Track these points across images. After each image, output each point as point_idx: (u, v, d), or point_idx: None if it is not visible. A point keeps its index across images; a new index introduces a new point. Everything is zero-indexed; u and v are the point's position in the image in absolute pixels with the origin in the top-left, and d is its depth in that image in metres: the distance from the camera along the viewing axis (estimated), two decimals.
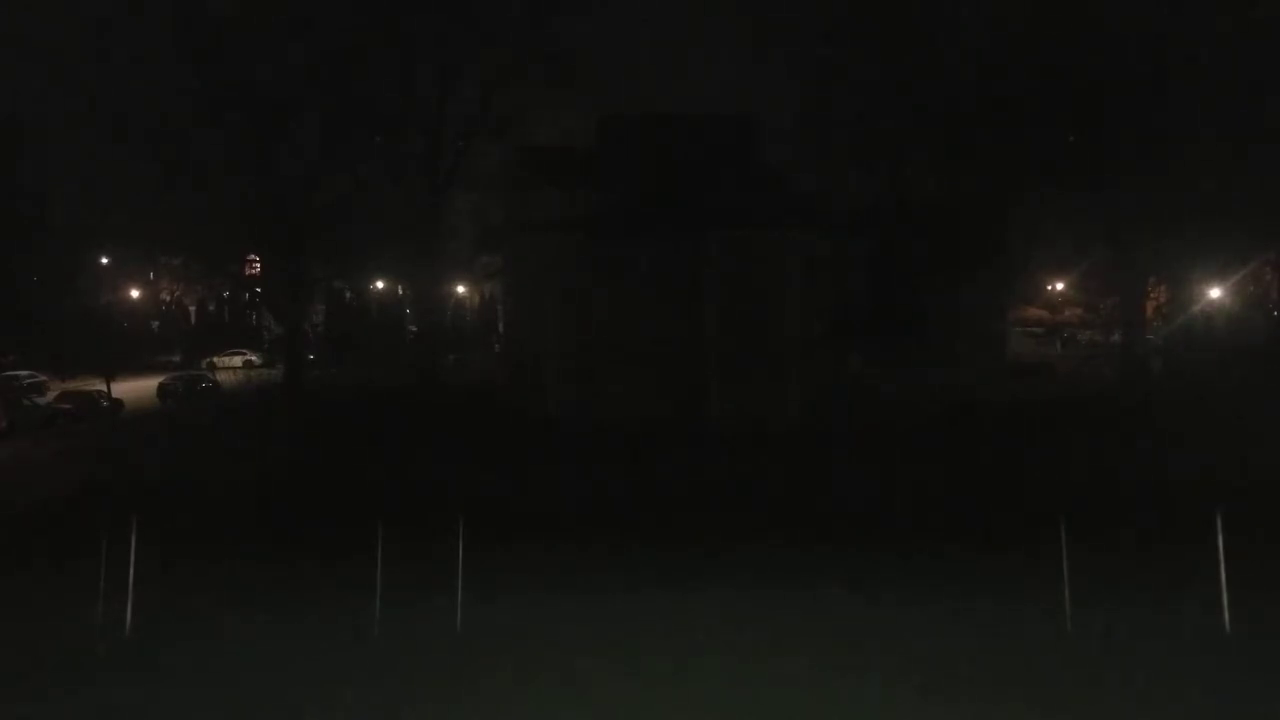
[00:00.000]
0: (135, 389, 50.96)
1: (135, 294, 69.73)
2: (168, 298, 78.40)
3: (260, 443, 35.84)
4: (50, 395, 48.32)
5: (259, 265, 58.02)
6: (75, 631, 17.76)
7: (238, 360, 61.81)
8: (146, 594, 18.23)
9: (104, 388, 47.77)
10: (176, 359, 64.20)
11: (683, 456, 32.43)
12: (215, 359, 62.72)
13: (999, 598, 18.58)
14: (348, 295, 66.38)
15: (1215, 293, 47.96)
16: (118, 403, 46.93)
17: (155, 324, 73.38)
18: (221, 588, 19.87)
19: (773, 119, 45.96)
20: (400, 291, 67.32)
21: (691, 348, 38.25)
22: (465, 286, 74.14)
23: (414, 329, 58.94)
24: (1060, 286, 71.31)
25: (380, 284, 68.46)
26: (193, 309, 78.57)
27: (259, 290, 60.43)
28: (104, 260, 66.47)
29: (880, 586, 19.35)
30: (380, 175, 47.92)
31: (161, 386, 50.82)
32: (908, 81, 45.38)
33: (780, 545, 22.33)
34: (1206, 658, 16.07)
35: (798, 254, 38.05)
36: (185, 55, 42.88)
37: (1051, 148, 45.63)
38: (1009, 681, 15.33)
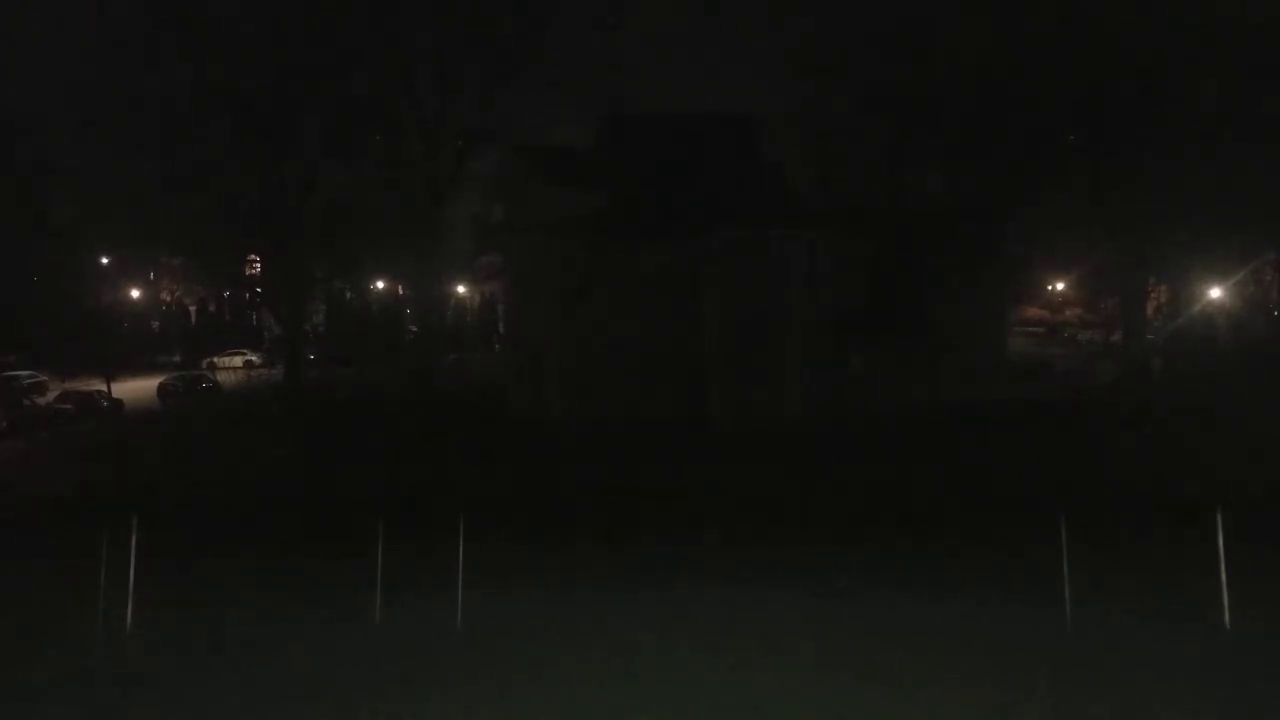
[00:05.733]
0: (135, 389, 50.97)
1: (135, 294, 69.73)
2: (168, 298, 78.44)
3: (260, 442, 35.87)
4: (50, 395, 48.33)
5: (259, 265, 58.08)
6: (75, 629, 17.77)
7: (238, 360, 61.82)
8: (146, 592, 18.24)
9: (104, 388, 47.80)
10: (176, 359, 64.20)
11: (683, 456, 32.43)
12: (215, 359, 62.71)
13: (999, 596, 18.59)
14: (348, 295, 66.43)
15: (1215, 293, 47.95)
16: (118, 403, 46.94)
17: (155, 324, 73.42)
18: (221, 586, 19.88)
19: (773, 119, 45.99)
20: (400, 291, 67.35)
21: (691, 348, 38.23)
22: (465, 286, 74.14)
23: (414, 329, 58.93)
24: (1060, 286, 71.31)
25: (380, 284, 68.50)
26: (193, 309, 78.58)
27: (259, 290, 60.49)
28: (104, 260, 66.47)
29: (881, 585, 19.36)
30: (380, 175, 47.99)
31: (161, 386, 50.82)
32: (908, 81, 45.42)
33: (780, 544, 22.33)
34: (1206, 657, 16.06)
35: (798, 254, 38.01)
36: (186, 56, 42.96)
37: (1052, 148, 45.69)
38: (1009, 680, 15.34)
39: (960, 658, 16.13)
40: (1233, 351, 44.95)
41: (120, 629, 17.80)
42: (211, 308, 76.93)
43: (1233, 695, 14.76)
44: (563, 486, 28.78)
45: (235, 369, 59.16)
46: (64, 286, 57.22)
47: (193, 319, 76.98)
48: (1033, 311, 73.69)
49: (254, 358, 62.48)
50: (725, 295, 37.79)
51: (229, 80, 42.90)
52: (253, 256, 57.64)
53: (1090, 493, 26.04)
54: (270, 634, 17.55)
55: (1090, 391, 43.46)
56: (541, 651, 16.65)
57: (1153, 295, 52.05)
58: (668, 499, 27.00)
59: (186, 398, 49.22)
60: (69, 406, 44.75)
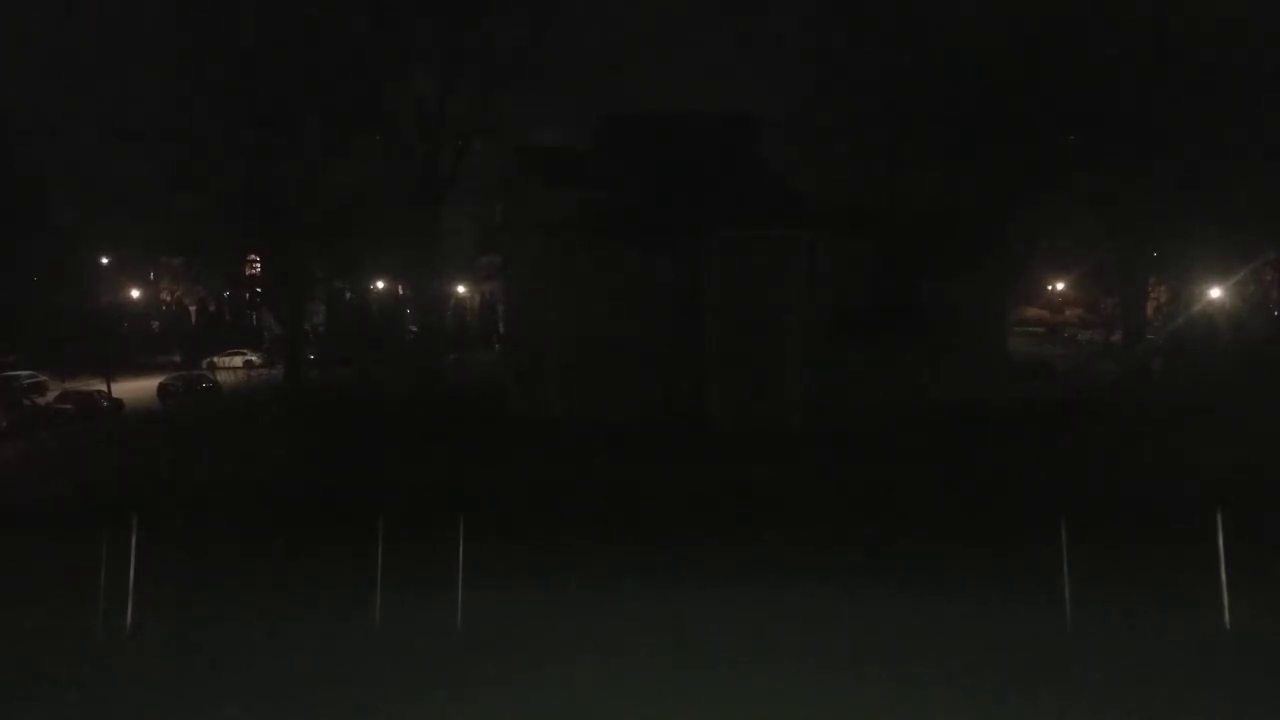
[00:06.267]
0: (135, 389, 50.97)
1: (135, 294, 69.74)
2: (168, 298, 78.46)
3: (260, 442, 35.85)
4: (50, 395, 48.34)
5: (259, 265, 58.08)
6: (75, 630, 17.77)
7: (238, 360, 61.75)
8: (146, 592, 18.25)
9: (104, 388, 47.82)
10: (176, 359, 64.20)
11: (683, 456, 32.44)
12: (215, 359, 62.69)
13: (999, 596, 18.60)
14: (348, 295, 66.40)
15: (1215, 293, 47.95)
16: (118, 403, 46.95)
17: (155, 324, 73.43)
18: (221, 586, 19.89)
19: (772, 118, 45.99)
20: (400, 291, 67.36)
21: (691, 348, 38.24)
22: (465, 286, 74.18)
23: (414, 329, 58.93)
24: (1060, 286, 71.35)
25: (380, 284, 68.49)
26: (193, 309, 78.58)
27: (259, 290, 60.49)
28: (104, 260, 66.51)
29: (881, 585, 19.36)
30: (380, 176, 48.02)
31: (161, 386, 50.80)
32: (908, 81, 45.45)
33: (780, 544, 22.34)
34: (1206, 657, 16.07)
35: (797, 254, 38.01)
36: (186, 55, 42.98)
37: (1052, 148, 45.69)
38: (1010, 680, 15.35)
39: (960, 657, 16.13)
40: (1233, 351, 44.90)
41: (120, 629, 17.80)
42: (211, 308, 76.93)
43: (1233, 695, 14.77)
44: (562, 486, 28.77)
45: (235, 369, 59.09)
46: (64, 286, 57.22)
47: (193, 319, 76.98)
48: (1033, 311, 73.70)
49: (254, 358, 62.40)
50: (725, 295, 37.77)
51: (229, 80, 42.91)
52: (253, 256, 57.62)
53: (1090, 492, 26.04)
54: (270, 634, 17.55)
55: (1090, 391, 43.45)
56: (541, 651, 16.65)
57: (1153, 295, 52.04)
58: (667, 499, 27.00)
59: (186, 398, 49.17)
60: (69, 406, 44.75)
